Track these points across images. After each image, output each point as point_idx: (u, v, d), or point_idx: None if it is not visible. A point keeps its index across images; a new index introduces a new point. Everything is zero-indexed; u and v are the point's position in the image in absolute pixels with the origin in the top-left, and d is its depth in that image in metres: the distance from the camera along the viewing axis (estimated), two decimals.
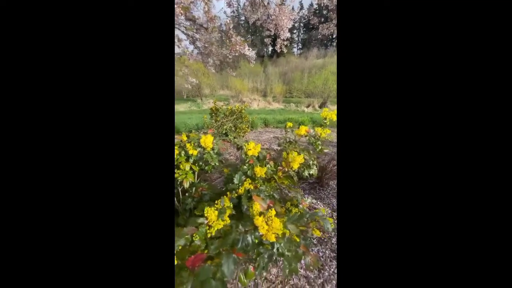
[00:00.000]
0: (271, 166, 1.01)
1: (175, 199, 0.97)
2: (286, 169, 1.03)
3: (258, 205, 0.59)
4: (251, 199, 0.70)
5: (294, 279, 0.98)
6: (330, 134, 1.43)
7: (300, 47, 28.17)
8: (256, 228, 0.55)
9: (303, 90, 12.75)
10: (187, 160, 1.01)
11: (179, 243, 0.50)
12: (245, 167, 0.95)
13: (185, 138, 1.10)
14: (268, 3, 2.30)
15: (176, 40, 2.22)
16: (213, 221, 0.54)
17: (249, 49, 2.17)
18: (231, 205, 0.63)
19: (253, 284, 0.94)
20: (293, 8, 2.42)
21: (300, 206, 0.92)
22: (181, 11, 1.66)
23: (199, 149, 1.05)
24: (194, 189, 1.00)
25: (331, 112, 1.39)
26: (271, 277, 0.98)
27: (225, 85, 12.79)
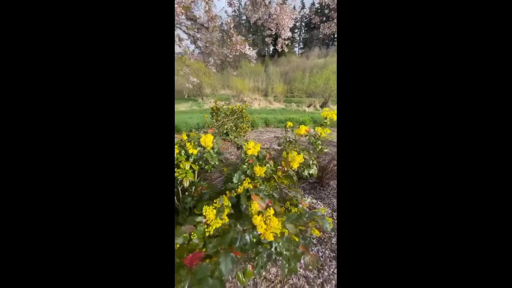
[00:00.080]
0: (270, 166, 1.01)
1: (175, 198, 0.98)
2: (285, 169, 1.03)
3: (256, 204, 0.59)
4: (250, 198, 0.70)
5: (294, 278, 0.98)
6: (330, 134, 1.42)
7: (302, 46, 28.09)
8: (254, 227, 0.55)
9: (304, 90, 12.72)
10: (187, 159, 1.01)
11: (177, 241, 0.51)
12: (244, 166, 0.96)
13: (185, 137, 1.10)
14: (269, 2, 2.29)
15: (177, 40, 2.23)
16: (211, 220, 0.55)
17: (249, 49, 2.17)
18: (230, 204, 0.63)
19: (252, 283, 0.94)
20: (294, 7, 2.41)
21: (300, 205, 0.92)
22: (182, 11, 1.67)
23: (199, 148, 1.06)
24: (193, 188, 1.01)
25: (331, 112, 1.38)
26: (270, 276, 0.98)
27: (226, 85, 12.80)
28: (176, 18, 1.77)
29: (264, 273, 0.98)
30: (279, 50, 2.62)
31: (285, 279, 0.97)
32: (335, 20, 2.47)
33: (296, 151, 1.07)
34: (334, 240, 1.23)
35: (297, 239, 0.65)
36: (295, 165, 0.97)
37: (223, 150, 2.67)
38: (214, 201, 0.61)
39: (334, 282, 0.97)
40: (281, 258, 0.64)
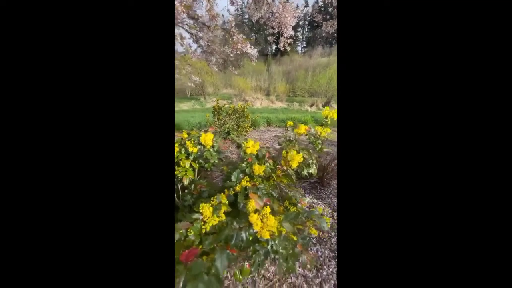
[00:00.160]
0: (270, 165, 1.01)
1: (175, 195, 0.99)
2: (285, 168, 1.03)
3: (253, 202, 0.59)
4: (248, 196, 0.70)
5: (292, 277, 0.98)
6: (330, 133, 1.41)
7: (305, 45, 27.84)
8: (251, 225, 0.55)
9: (307, 89, 12.63)
10: (187, 158, 1.02)
11: None
12: (243, 165, 0.96)
13: (185, 136, 1.11)
14: (272, 1, 2.28)
15: (179, 39, 2.24)
16: (208, 217, 0.55)
17: (251, 47, 2.16)
18: (227, 202, 0.63)
19: (251, 281, 0.94)
20: (297, 6, 2.39)
21: (299, 205, 0.92)
22: (183, 10, 1.67)
23: (199, 146, 1.07)
24: (193, 186, 1.02)
25: (332, 111, 1.37)
26: (269, 275, 0.99)
27: (228, 84, 12.81)
28: (178, 17, 1.77)
29: (262, 271, 0.98)
30: (282, 49, 2.60)
31: (284, 278, 0.97)
32: None
33: (296, 150, 1.06)
34: (334, 240, 1.23)
35: (295, 238, 0.65)
36: (294, 164, 0.96)
37: (224, 149, 2.68)
38: (212, 198, 0.62)
39: (333, 281, 0.97)
40: (279, 256, 0.64)
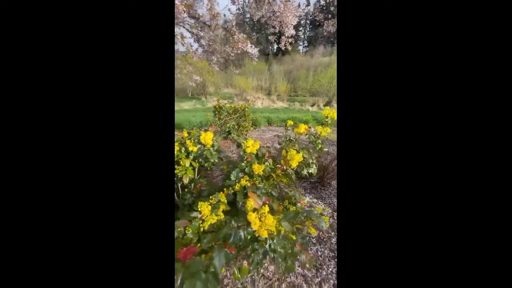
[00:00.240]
0: (269, 164, 1.01)
1: (175, 194, 0.99)
2: (284, 167, 1.03)
3: (252, 201, 0.59)
4: (247, 195, 0.70)
5: (292, 277, 0.98)
6: (331, 133, 1.41)
7: (306, 44, 27.71)
8: (249, 223, 0.55)
9: (308, 89, 12.58)
10: (187, 157, 1.02)
11: None
12: (243, 164, 0.96)
13: (185, 135, 1.12)
14: (273, 0, 2.27)
15: (180, 38, 2.24)
16: (206, 216, 0.55)
17: (251, 47, 2.16)
18: (226, 201, 0.64)
19: (250, 281, 0.95)
20: (299, 5, 2.37)
21: (298, 204, 0.92)
22: (184, 9, 1.67)
23: (199, 145, 1.07)
24: (193, 185, 1.02)
25: (332, 111, 1.36)
26: (268, 274, 0.99)
27: (230, 83, 12.81)
28: (178, 16, 1.78)
29: (261, 270, 0.98)
30: (283, 48, 2.59)
31: (283, 277, 0.97)
32: None
33: (295, 149, 1.06)
34: (333, 240, 1.23)
35: (294, 237, 0.65)
36: (294, 164, 0.96)
37: (225, 148, 2.68)
38: (210, 197, 0.62)
39: (332, 281, 0.97)
40: (277, 255, 0.64)
